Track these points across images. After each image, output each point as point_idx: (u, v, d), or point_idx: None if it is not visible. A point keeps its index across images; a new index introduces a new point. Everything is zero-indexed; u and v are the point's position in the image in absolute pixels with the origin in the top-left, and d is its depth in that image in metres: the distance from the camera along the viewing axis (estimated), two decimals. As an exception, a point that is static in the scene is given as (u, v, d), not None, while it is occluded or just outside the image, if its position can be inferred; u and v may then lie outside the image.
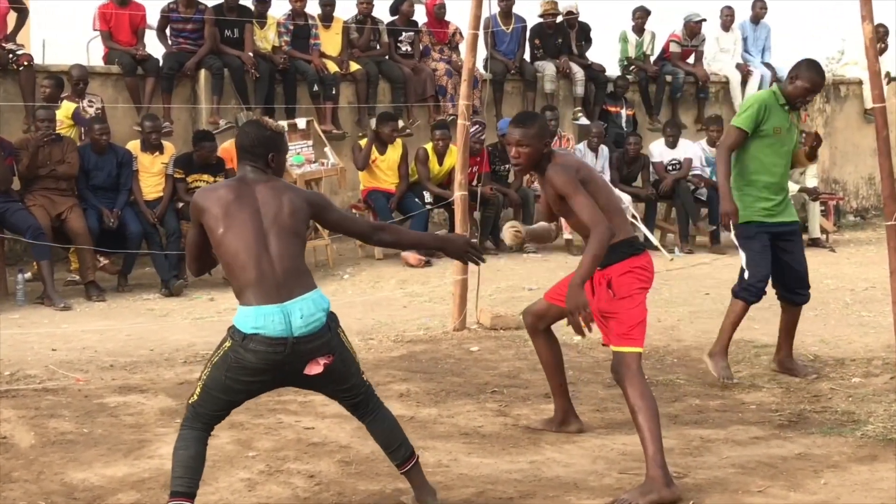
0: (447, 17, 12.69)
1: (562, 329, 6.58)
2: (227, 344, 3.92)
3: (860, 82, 14.79)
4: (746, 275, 6.27)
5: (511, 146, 4.78)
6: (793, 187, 12.15)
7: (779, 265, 6.37)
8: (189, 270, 4.26)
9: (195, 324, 8.04)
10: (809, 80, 6.32)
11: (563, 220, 5.27)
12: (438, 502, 4.22)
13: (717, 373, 6.29)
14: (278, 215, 3.96)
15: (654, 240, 11.09)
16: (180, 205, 9.52)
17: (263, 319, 3.82)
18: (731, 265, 10.65)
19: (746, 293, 6.29)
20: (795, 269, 6.41)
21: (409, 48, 12.53)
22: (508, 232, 5.13)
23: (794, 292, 6.46)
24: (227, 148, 9.92)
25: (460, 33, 12.39)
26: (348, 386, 4.09)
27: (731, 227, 6.29)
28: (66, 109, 9.78)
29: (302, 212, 4.03)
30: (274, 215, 3.95)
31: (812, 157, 6.50)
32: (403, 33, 12.51)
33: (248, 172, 4.07)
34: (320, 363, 3.91)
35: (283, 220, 3.96)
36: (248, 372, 3.88)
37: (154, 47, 11.23)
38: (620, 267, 4.68)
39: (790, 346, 6.56)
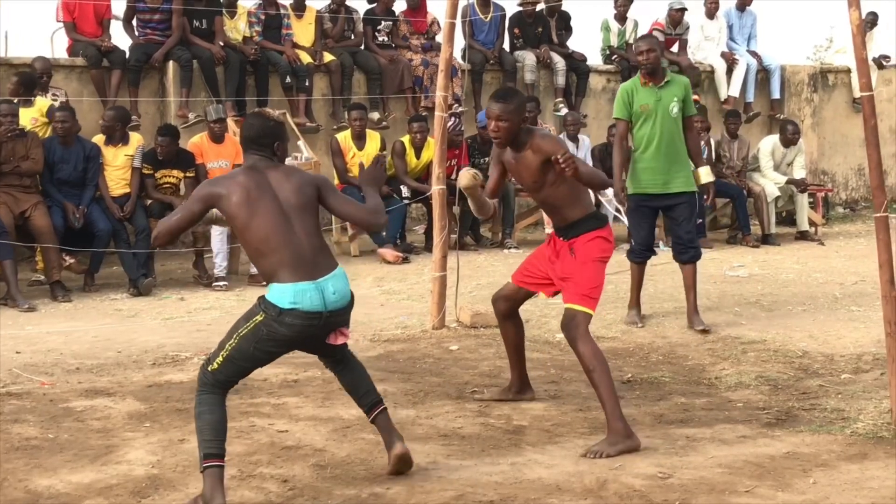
0: (427, 7, 12.69)
1: (544, 327, 6.53)
2: (259, 317, 4.31)
3: (848, 70, 14.85)
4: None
5: (491, 120, 5.21)
6: (780, 178, 12.22)
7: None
8: (159, 240, 4.51)
9: (165, 324, 8.00)
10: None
11: (545, 215, 5.47)
12: (403, 445, 4.62)
13: (625, 321, 7.74)
14: (294, 197, 4.39)
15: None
16: (149, 202, 9.46)
17: (301, 296, 4.27)
18: (717, 259, 10.73)
19: (631, 255, 7.89)
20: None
21: (387, 38, 12.51)
22: (468, 173, 5.35)
23: (678, 253, 7.76)
24: (196, 143, 9.87)
25: (438, 23, 12.38)
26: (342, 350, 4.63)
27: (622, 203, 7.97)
28: (40, 106, 9.70)
29: (311, 191, 4.46)
30: (290, 198, 4.38)
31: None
32: (381, 22, 12.48)
33: (257, 161, 4.47)
34: (346, 333, 4.48)
35: (299, 201, 4.39)
36: (279, 343, 4.35)
37: (120, 38, 11.20)
38: (585, 237, 5.25)
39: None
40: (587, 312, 5.14)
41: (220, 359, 4.36)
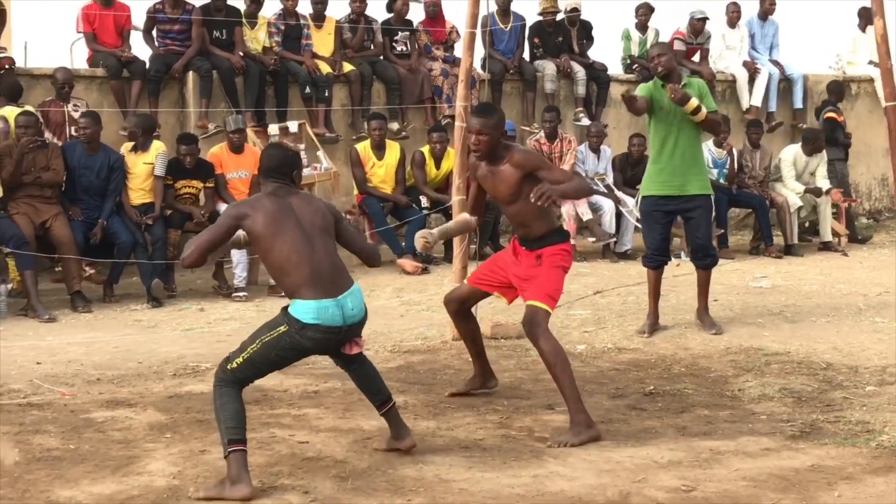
0: (444, 16, 12.71)
1: (563, 339, 6.53)
2: (283, 328, 4.68)
3: (871, 80, 14.79)
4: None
5: (472, 134, 5.59)
6: (799, 188, 12.19)
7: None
8: (189, 260, 4.76)
9: (185, 335, 8.04)
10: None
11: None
12: (413, 438, 5.02)
13: (636, 330, 7.79)
14: (315, 220, 4.77)
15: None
16: (168, 212, 9.50)
17: (323, 312, 4.65)
18: (740, 270, 10.70)
19: (645, 261, 7.90)
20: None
21: (405, 48, 12.55)
22: (419, 241, 5.85)
23: (695, 257, 7.83)
24: (215, 153, 9.91)
25: (457, 32, 12.41)
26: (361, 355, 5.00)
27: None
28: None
29: (330, 216, 4.86)
30: (311, 221, 4.76)
31: (679, 103, 7.44)
32: (399, 33, 12.53)
33: (277, 188, 4.83)
34: (360, 343, 4.85)
35: (320, 224, 4.78)
36: (298, 352, 4.75)
37: (140, 49, 11.24)
38: (551, 249, 5.65)
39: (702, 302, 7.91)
40: (548, 310, 5.52)
41: (241, 359, 4.69)
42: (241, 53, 11.26)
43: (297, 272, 4.67)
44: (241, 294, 9.36)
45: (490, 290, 6.02)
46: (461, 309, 6.08)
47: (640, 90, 7.86)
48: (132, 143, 9.56)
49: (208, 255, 4.80)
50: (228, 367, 4.71)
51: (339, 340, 4.76)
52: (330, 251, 4.77)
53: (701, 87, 7.80)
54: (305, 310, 4.64)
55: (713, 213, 7.93)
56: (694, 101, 7.50)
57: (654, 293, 7.92)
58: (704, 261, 7.83)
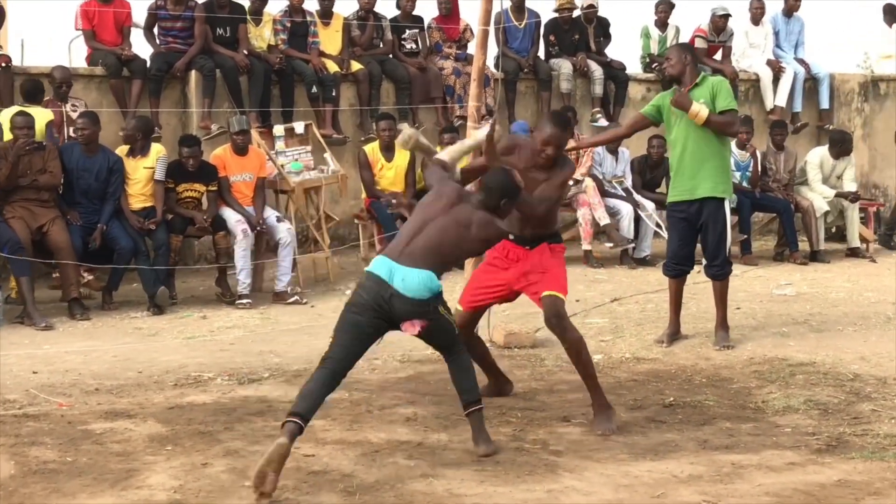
0: (459, 13, 12.72)
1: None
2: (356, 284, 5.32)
3: (901, 79, 14.79)
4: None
5: (545, 145, 5.87)
6: (829, 192, 12.16)
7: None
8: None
9: (186, 343, 8.05)
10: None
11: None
12: (492, 449, 5.29)
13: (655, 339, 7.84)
14: (442, 220, 5.33)
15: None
16: (169, 216, 9.52)
17: (377, 264, 5.24)
18: (763, 277, 10.68)
19: (664, 269, 7.97)
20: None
21: (415, 46, 12.57)
22: (402, 135, 6.33)
23: (706, 267, 7.85)
24: (218, 155, 9.93)
25: (471, 30, 12.42)
26: (443, 346, 5.43)
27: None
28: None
29: (463, 231, 5.34)
30: (439, 220, 5.33)
31: (676, 106, 7.56)
32: (407, 30, 12.54)
33: (473, 196, 5.50)
34: (416, 326, 5.19)
35: (441, 226, 5.30)
36: (360, 308, 5.16)
37: (141, 47, 11.27)
38: (557, 245, 6.07)
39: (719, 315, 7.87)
40: (564, 299, 5.89)
41: (332, 334, 5.23)
42: (246, 52, 11.28)
43: (398, 239, 5.35)
44: (244, 301, 9.37)
45: (488, 305, 6.31)
46: (468, 335, 6.13)
47: (654, 100, 7.93)
48: (128, 147, 9.56)
49: None
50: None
51: (390, 306, 5.12)
52: (431, 241, 5.25)
53: (714, 86, 7.68)
54: (372, 261, 5.32)
55: (727, 218, 7.76)
56: (695, 108, 7.47)
57: (675, 302, 7.91)
58: (711, 270, 7.80)
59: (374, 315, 5.15)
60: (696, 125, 7.55)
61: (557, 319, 5.82)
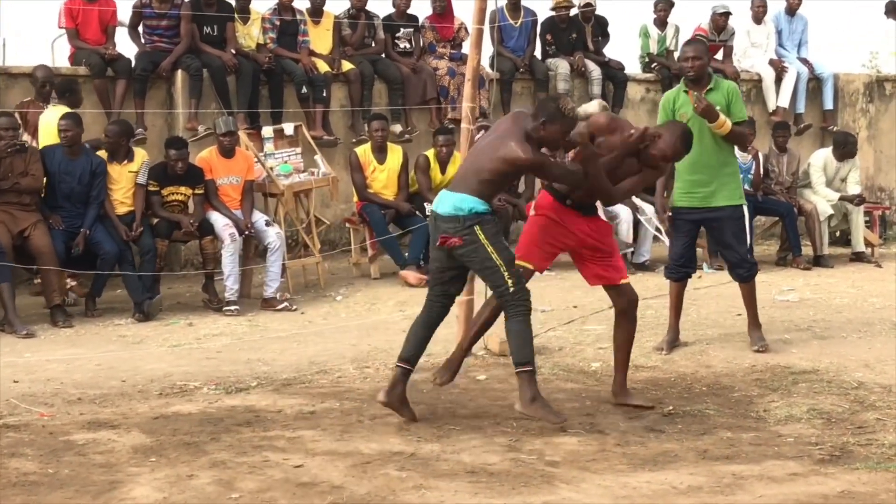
0: (453, 12, 12.73)
1: (578, 356, 6.47)
2: None
3: (906, 78, 14.82)
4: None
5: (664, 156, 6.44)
6: (833, 195, 12.18)
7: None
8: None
9: (172, 351, 8.05)
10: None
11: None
12: (523, 406, 5.81)
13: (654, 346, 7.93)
14: (491, 138, 5.97)
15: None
16: (155, 220, 9.51)
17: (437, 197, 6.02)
18: (766, 282, 10.67)
19: (666, 272, 8.07)
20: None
21: (408, 45, 12.58)
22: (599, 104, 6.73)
23: (732, 270, 7.96)
24: (204, 157, 9.91)
25: (465, 29, 12.43)
26: (483, 278, 5.95)
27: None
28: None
29: (498, 142, 5.88)
30: (487, 144, 5.96)
31: (702, 115, 7.57)
32: (401, 29, 12.55)
33: (525, 116, 6.02)
34: (450, 240, 5.82)
35: (486, 150, 5.92)
36: (432, 242, 5.97)
37: (126, 46, 11.29)
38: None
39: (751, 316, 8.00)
40: None
41: None
42: (234, 51, 11.29)
43: None
44: (232, 308, 9.36)
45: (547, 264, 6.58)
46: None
47: (659, 115, 7.99)
48: (108, 153, 9.53)
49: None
50: None
51: (435, 232, 5.88)
52: (474, 167, 5.91)
53: (730, 92, 7.79)
54: None
55: (747, 220, 7.91)
56: (721, 119, 7.54)
57: (675, 307, 7.94)
58: (739, 273, 7.89)
59: (434, 245, 5.94)
60: (711, 131, 7.60)
61: (631, 312, 6.39)
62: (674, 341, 7.89)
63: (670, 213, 8.05)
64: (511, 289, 5.81)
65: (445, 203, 5.86)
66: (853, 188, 12.35)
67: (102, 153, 9.56)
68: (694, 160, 7.61)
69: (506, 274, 5.81)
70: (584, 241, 6.33)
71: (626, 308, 6.38)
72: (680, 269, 7.92)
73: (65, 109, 9.56)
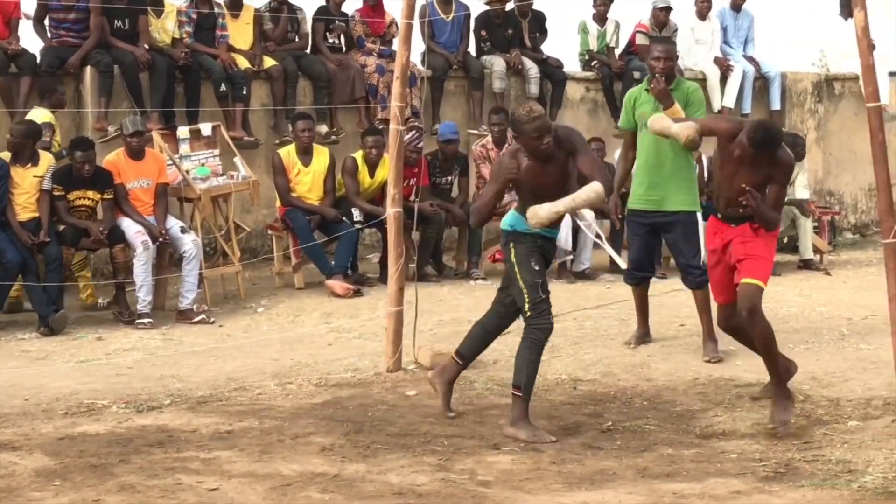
0: (384, 6, 12.71)
1: (511, 370, 6.51)
2: None
3: (856, 78, 15.00)
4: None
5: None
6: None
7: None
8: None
9: (79, 367, 7.97)
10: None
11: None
12: (521, 435, 6.05)
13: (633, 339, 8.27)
14: None
15: (622, 262, 11.14)
16: (61, 227, 9.40)
17: None
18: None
19: (626, 277, 8.37)
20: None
21: (338, 41, 12.56)
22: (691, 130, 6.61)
23: (684, 278, 8.11)
24: (111, 161, 9.80)
25: (397, 25, 12.42)
26: (514, 294, 6.31)
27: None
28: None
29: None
30: None
31: (660, 99, 7.83)
32: (336, 22, 12.49)
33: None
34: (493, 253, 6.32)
35: None
36: None
37: (30, 41, 11.14)
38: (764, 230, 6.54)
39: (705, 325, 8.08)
40: (763, 287, 6.60)
41: None
42: (147, 46, 11.19)
43: None
44: (144, 321, 9.28)
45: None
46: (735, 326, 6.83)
47: (622, 115, 8.35)
48: (12, 154, 9.42)
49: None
50: None
51: None
52: None
53: (690, 94, 7.98)
54: None
55: (700, 227, 8.07)
56: (676, 107, 7.70)
57: (641, 308, 8.31)
58: (691, 280, 8.04)
59: None
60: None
61: (749, 313, 6.38)
62: (643, 337, 8.30)
63: (621, 216, 8.27)
64: (528, 313, 6.18)
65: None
66: (801, 192, 12.47)
67: (5, 155, 9.45)
68: (650, 163, 7.87)
69: (526, 297, 6.16)
70: (723, 246, 6.69)
71: (738, 311, 6.53)
72: (636, 274, 8.18)
73: None
